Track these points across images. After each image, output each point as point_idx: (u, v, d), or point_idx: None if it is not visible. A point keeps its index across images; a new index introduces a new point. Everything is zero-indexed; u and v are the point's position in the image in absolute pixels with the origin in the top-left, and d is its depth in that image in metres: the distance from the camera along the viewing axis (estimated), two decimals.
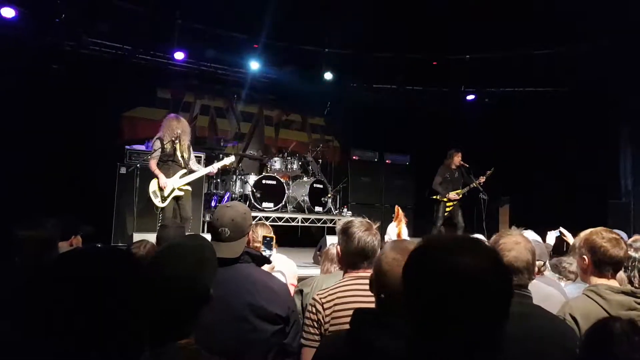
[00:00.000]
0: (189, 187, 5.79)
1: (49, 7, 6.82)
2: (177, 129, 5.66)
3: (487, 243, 3.75)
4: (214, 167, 6.12)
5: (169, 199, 5.61)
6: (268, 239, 2.73)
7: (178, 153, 5.69)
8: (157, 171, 5.57)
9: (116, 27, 7.36)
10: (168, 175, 5.61)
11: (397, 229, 3.72)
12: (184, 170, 5.74)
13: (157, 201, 5.58)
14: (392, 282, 1.51)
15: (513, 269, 1.86)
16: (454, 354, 0.92)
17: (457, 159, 7.99)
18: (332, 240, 4.16)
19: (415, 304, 0.97)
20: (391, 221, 4.27)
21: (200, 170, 5.97)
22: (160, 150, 5.61)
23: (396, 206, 4.14)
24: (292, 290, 2.62)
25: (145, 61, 8.15)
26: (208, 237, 2.15)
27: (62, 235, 2.75)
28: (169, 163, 5.65)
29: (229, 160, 6.24)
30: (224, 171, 8.22)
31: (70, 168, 7.32)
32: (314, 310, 2.05)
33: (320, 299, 2.06)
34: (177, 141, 5.65)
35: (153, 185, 5.60)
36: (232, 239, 2.17)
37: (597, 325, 1.54)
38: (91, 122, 7.70)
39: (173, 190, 5.63)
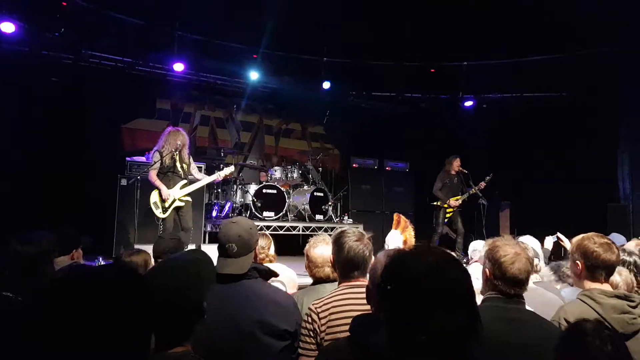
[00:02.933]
0: (189, 198, 5.81)
1: (48, 21, 6.90)
2: (177, 141, 5.71)
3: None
4: (216, 176, 6.16)
5: (169, 210, 5.63)
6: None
7: (178, 164, 5.73)
8: (157, 182, 5.60)
9: (115, 39, 7.44)
10: (169, 186, 5.64)
11: (404, 236, 3.67)
12: (185, 181, 5.78)
13: (158, 212, 5.60)
14: None
15: (517, 281, 1.89)
16: (431, 346, 1.01)
17: (456, 165, 8.01)
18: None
19: (390, 303, 1.09)
20: (391, 228, 4.23)
21: (203, 180, 6.00)
22: (159, 162, 5.65)
23: (395, 214, 4.07)
24: None
25: (144, 73, 8.22)
26: (211, 247, 2.16)
27: (62, 250, 2.74)
28: (168, 175, 5.69)
29: (229, 170, 6.28)
30: (225, 181, 8.25)
31: (71, 180, 7.36)
32: (309, 319, 2.07)
33: (315, 308, 2.08)
34: (176, 153, 5.70)
35: (154, 197, 5.63)
36: (239, 254, 2.16)
37: (570, 326, 1.64)
38: (91, 134, 7.76)
39: (174, 201, 5.66)
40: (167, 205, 5.60)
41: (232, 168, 6.33)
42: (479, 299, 2.02)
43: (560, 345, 1.52)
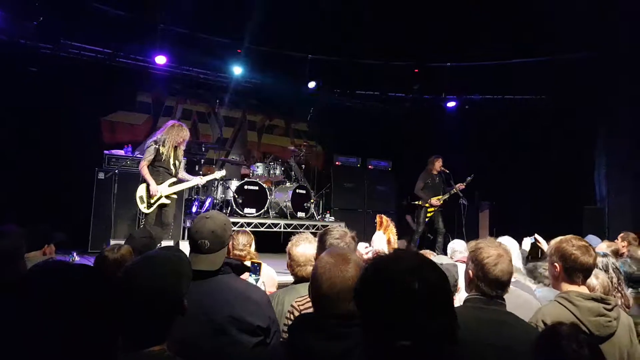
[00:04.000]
0: (175, 196, 5.69)
1: (26, 10, 6.71)
2: (180, 137, 5.53)
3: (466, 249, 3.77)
4: (203, 180, 6.04)
5: (154, 206, 5.51)
6: (255, 265, 2.69)
7: (171, 160, 5.57)
8: (148, 177, 5.40)
9: (95, 30, 7.27)
10: (157, 181, 5.46)
11: (386, 235, 3.66)
12: (174, 179, 5.62)
13: (143, 207, 5.46)
14: (326, 285, 1.56)
15: (499, 283, 1.91)
16: (412, 349, 1.01)
17: (438, 165, 8.08)
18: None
19: (369, 307, 1.09)
20: (375, 227, 4.21)
21: (192, 181, 5.85)
22: (154, 154, 5.45)
23: (378, 215, 4.04)
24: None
25: (125, 64, 8.07)
26: (187, 245, 2.13)
27: (32, 245, 2.66)
28: (160, 170, 5.52)
29: (219, 174, 6.17)
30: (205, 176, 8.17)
31: (47, 173, 7.18)
32: (291, 317, 2.08)
33: (298, 306, 2.09)
34: (175, 148, 5.54)
35: (140, 190, 5.45)
36: (211, 250, 2.11)
37: (545, 331, 1.66)
38: (69, 126, 7.57)
39: (160, 197, 5.51)
40: (152, 201, 5.46)
41: (222, 172, 6.22)
42: (464, 296, 2.04)
43: (536, 348, 1.53)
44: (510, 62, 8.60)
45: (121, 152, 7.18)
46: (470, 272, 1.98)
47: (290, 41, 8.54)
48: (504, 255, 1.92)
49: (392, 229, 3.68)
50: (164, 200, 5.52)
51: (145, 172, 5.41)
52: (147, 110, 8.91)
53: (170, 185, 5.56)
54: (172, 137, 5.49)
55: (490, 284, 1.90)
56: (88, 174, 6.87)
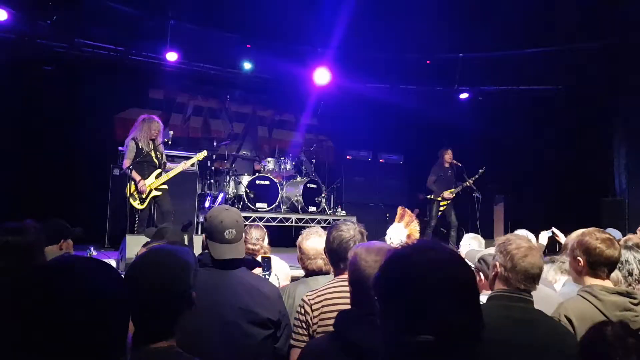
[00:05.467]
0: (165, 186, 5.77)
1: (41, 9, 6.77)
2: (152, 130, 5.65)
3: (482, 242, 3.71)
4: (187, 164, 6.11)
5: (147, 200, 5.60)
6: (265, 259, 2.72)
7: (152, 153, 5.67)
8: (133, 174, 5.53)
9: (108, 28, 7.32)
10: (143, 176, 5.59)
11: (408, 230, 3.54)
12: (159, 170, 5.73)
13: (136, 203, 5.58)
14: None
15: (528, 275, 1.83)
16: (435, 346, 0.97)
17: (448, 157, 8.01)
18: None
19: (393, 302, 1.04)
20: (386, 221, 4.14)
21: (176, 168, 5.94)
22: (135, 151, 5.56)
23: (400, 207, 3.91)
24: None
25: (137, 62, 8.10)
26: (198, 239, 2.15)
27: (49, 240, 2.68)
28: (144, 164, 5.62)
29: (201, 155, 6.23)
30: (217, 171, 8.19)
31: (64, 170, 7.28)
32: (302, 311, 2.08)
33: (309, 300, 2.08)
34: (152, 142, 5.64)
35: (129, 189, 5.57)
36: (237, 239, 2.20)
37: (591, 332, 1.55)
38: (84, 123, 7.66)
39: (150, 191, 5.61)
40: (144, 196, 5.56)
41: (204, 153, 6.27)
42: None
43: (581, 354, 1.45)
44: (524, 52, 8.46)
45: None
46: (496, 264, 1.90)
47: (300, 35, 8.50)
48: (534, 249, 1.86)
49: (415, 225, 3.54)
50: (155, 193, 5.62)
51: (128, 171, 5.52)
52: (160, 107, 8.94)
53: (157, 176, 5.67)
54: (145, 131, 5.63)
55: (518, 276, 1.82)
56: (103, 170, 6.96)
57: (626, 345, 1.37)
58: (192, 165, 6.62)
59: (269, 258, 2.77)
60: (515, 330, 1.74)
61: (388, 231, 3.42)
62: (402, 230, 3.33)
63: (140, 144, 5.58)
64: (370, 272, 1.56)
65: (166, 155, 6.12)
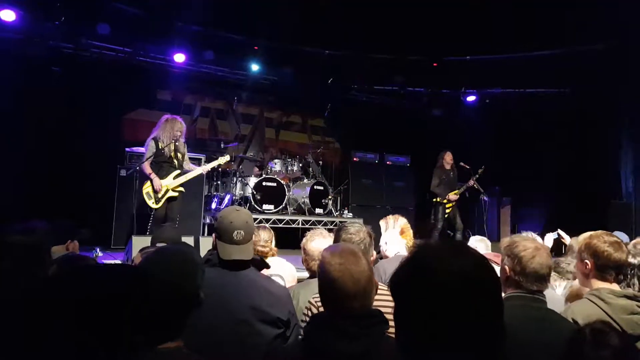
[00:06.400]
0: (182, 189, 5.76)
1: (48, 10, 6.82)
2: (176, 131, 5.63)
3: (489, 245, 3.67)
4: (208, 167, 6.12)
5: (162, 200, 5.59)
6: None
7: (172, 154, 5.65)
8: (151, 174, 5.53)
9: (116, 29, 7.35)
10: (161, 176, 5.57)
11: (405, 239, 3.44)
12: (178, 171, 5.71)
13: (151, 202, 5.57)
14: (343, 286, 1.52)
15: (538, 276, 1.84)
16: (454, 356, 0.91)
17: (448, 158, 7.99)
18: None
19: (412, 311, 0.95)
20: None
21: (195, 170, 5.92)
22: (154, 151, 5.56)
23: (391, 215, 3.70)
24: None
25: (145, 63, 8.15)
26: (210, 240, 2.16)
27: (56, 240, 2.69)
28: (164, 165, 5.62)
29: (223, 159, 6.22)
30: (224, 173, 8.21)
31: (70, 171, 7.31)
32: (309, 313, 2.09)
33: (315, 302, 2.08)
34: (175, 143, 5.63)
35: (147, 187, 5.57)
36: (245, 240, 2.19)
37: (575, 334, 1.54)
38: (91, 124, 7.69)
39: (167, 191, 5.60)
40: (160, 195, 5.55)
41: (226, 157, 6.29)
42: None
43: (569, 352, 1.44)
44: (531, 54, 8.42)
45: (142, 150, 7.21)
46: (506, 268, 1.90)
47: (307, 37, 8.51)
48: (541, 249, 1.86)
49: (410, 234, 3.47)
50: (171, 194, 5.61)
51: (148, 170, 5.53)
52: (167, 108, 8.96)
53: (175, 177, 5.65)
54: (168, 131, 5.60)
55: (528, 278, 1.83)
56: (110, 171, 6.98)
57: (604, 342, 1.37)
58: (212, 169, 6.58)
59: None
60: (537, 329, 1.73)
61: (384, 240, 3.35)
62: (400, 241, 3.28)
63: (160, 144, 5.57)
64: (336, 275, 1.54)
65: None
